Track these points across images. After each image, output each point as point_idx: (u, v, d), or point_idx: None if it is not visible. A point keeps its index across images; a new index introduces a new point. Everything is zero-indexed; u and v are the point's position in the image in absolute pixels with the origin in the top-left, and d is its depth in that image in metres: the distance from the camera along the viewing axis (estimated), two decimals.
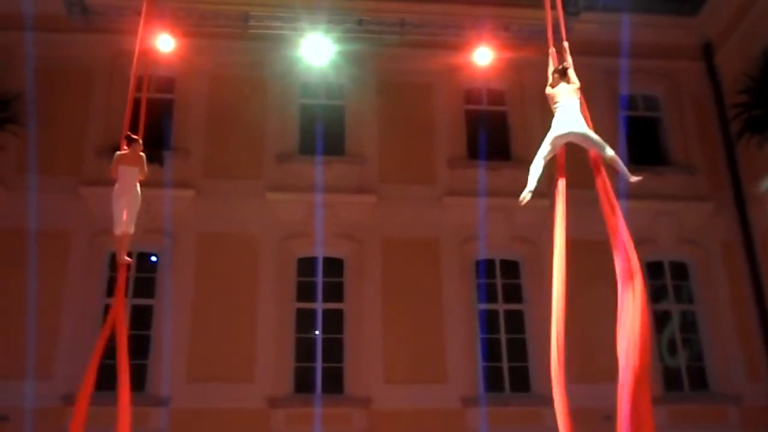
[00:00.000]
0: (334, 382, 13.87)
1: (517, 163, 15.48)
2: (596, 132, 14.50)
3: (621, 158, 15.72)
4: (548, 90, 7.91)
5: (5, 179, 14.16)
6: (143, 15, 9.83)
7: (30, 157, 14.20)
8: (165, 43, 14.31)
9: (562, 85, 7.87)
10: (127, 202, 8.66)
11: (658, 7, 16.52)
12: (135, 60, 9.21)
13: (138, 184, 8.72)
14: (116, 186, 8.67)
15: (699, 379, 14.59)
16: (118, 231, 8.64)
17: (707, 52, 16.76)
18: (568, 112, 7.65)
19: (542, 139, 7.72)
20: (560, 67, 7.98)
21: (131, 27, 14.15)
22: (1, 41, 15.00)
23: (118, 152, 8.81)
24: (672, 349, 14.79)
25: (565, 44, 8.14)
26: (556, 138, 7.60)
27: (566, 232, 7.10)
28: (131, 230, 8.70)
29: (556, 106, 7.76)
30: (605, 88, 15.96)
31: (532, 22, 14.25)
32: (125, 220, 8.63)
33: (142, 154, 8.73)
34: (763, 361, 14.46)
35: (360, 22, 15.15)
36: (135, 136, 8.74)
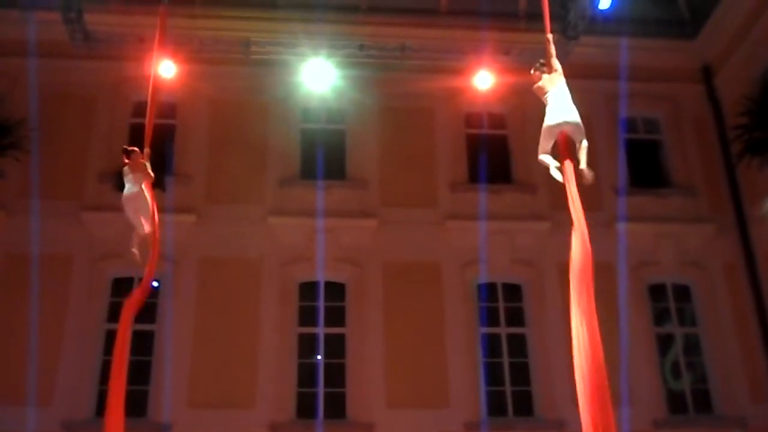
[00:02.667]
0: (337, 407, 13.78)
1: (518, 187, 15.57)
2: (597, 154, 14.60)
3: (622, 181, 15.96)
4: (535, 86, 8.02)
5: (7, 204, 14.18)
6: (156, 43, 10.06)
7: (32, 183, 14.25)
8: (167, 69, 14.38)
9: (545, 76, 7.99)
10: (137, 207, 8.90)
11: (657, 30, 16.65)
12: (151, 85, 9.42)
13: (145, 188, 8.90)
14: (124, 193, 8.91)
15: (703, 402, 14.48)
16: (141, 231, 8.96)
17: (707, 74, 16.84)
18: (560, 101, 7.72)
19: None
20: (537, 64, 8.15)
21: (133, 54, 14.36)
22: (5, 68, 15.14)
23: (124, 167, 9.04)
24: (676, 372, 14.71)
25: (549, 36, 8.27)
26: (551, 128, 7.69)
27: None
28: (146, 230, 8.94)
29: (546, 96, 7.85)
30: (605, 111, 16.02)
31: (533, 47, 14.28)
32: (141, 222, 8.92)
33: (142, 161, 8.91)
34: (767, 383, 14.38)
35: (361, 47, 15.22)
36: (130, 148, 9.02)
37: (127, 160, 8.93)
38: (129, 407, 8.06)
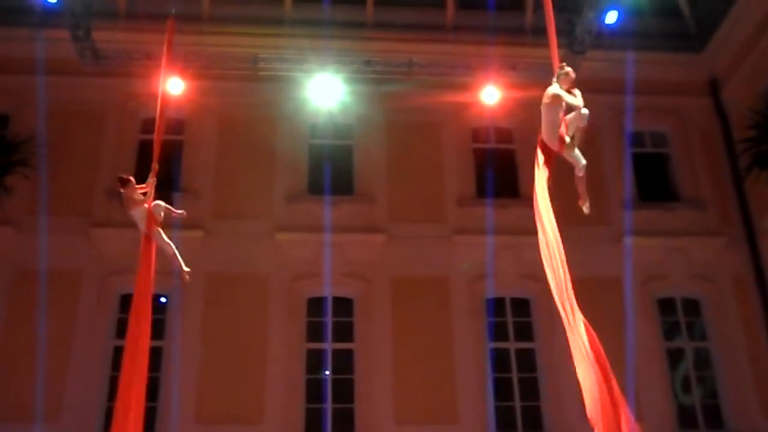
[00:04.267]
0: (345, 423, 13.74)
1: (526, 201, 15.45)
2: (605, 168, 14.61)
3: (629, 195, 15.88)
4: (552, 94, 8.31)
5: (16, 221, 14.24)
6: (164, 61, 10.25)
7: (41, 199, 14.31)
8: (175, 85, 14.44)
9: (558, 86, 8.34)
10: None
11: (664, 44, 16.66)
12: (159, 104, 9.61)
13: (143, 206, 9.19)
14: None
15: (714, 417, 14.38)
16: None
17: (714, 87, 16.82)
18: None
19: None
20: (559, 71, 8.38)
21: (142, 71, 14.44)
22: (14, 85, 15.23)
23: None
24: (686, 387, 14.62)
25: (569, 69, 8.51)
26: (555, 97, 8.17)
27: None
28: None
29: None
30: (612, 125, 16.02)
31: (539, 61, 14.32)
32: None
33: (122, 192, 9.23)
34: None
35: (368, 63, 15.28)
36: (126, 177, 9.31)
37: (122, 190, 9.16)
38: None
